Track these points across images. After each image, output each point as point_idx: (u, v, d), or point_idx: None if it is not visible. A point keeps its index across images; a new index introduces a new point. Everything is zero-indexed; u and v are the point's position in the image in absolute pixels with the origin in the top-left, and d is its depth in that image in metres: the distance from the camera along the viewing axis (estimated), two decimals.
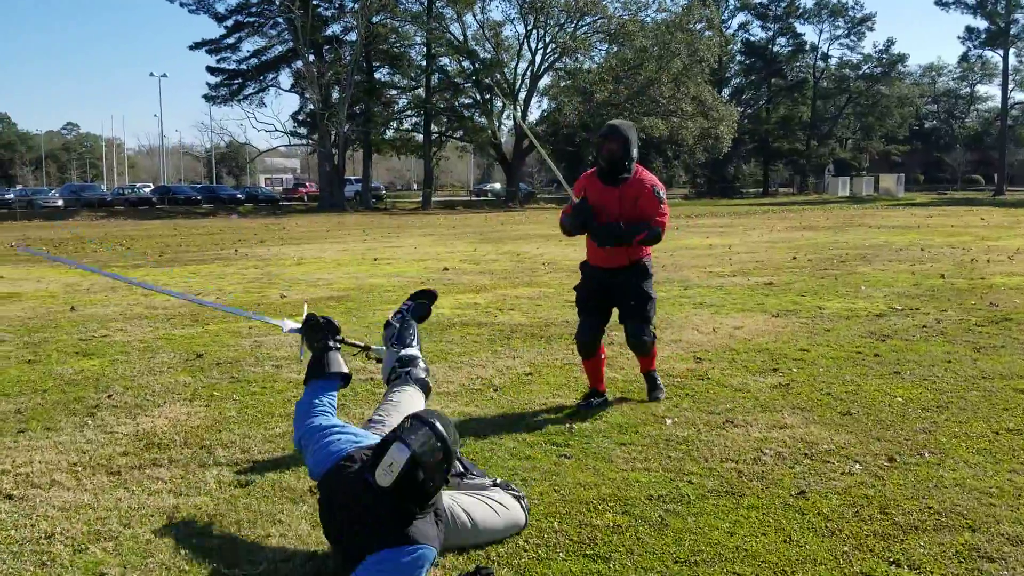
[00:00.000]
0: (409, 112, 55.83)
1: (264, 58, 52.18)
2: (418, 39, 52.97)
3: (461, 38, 53.37)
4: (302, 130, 54.79)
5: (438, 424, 3.06)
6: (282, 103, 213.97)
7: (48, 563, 3.30)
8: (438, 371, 6.51)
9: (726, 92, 76.66)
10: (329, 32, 51.41)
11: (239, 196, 56.41)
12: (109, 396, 5.90)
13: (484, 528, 3.38)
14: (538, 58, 54.62)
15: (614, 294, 5.54)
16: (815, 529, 3.58)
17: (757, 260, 15.57)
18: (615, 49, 55.97)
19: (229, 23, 50.86)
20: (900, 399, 5.63)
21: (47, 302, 10.99)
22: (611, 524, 3.64)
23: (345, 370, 3.82)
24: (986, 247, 17.35)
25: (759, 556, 3.34)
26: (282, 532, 3.58)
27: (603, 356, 5.70)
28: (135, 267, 15.96)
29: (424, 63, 53.49)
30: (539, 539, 3.51)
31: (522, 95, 55.18)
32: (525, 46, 54.15)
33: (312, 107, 49.50)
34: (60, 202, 49.54)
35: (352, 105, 49.51)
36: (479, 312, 9.62)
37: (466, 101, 56.37)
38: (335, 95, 49.63)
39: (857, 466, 4.34)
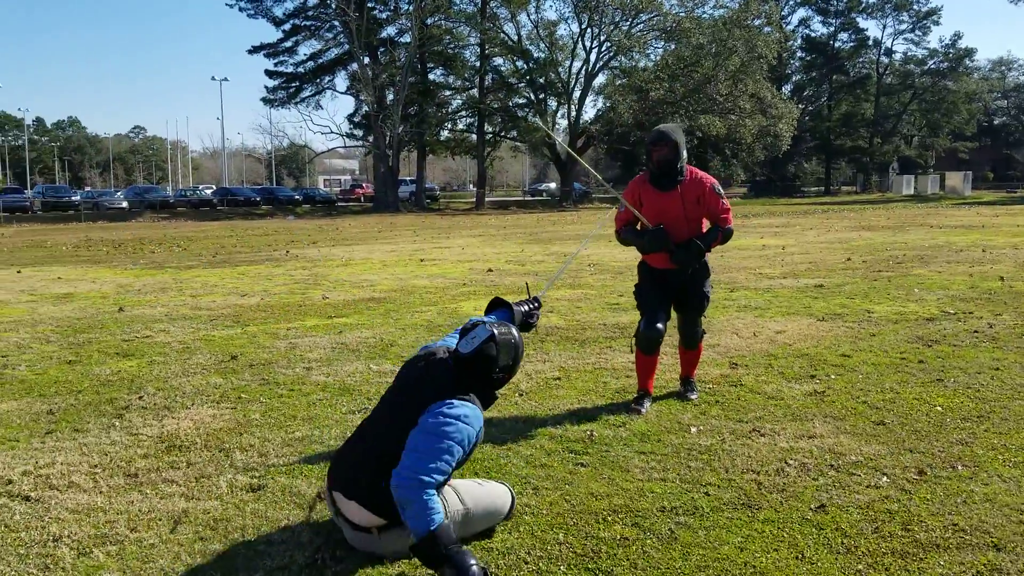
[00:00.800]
0: (463, 113, 56.04)
1: (320, 61, 52.88)
2: (472, 40, 53.16)
3: (515, 38, 53.40)
4: (358, 132, 55.38)
5: (517, 333, 3.65)
6: (338, 105, 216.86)
7: (51, 566, 3.33)
8: None
9: (786, 89, 75.50)
10: (384, 35, 51.86)
11: (297, 197, 57.25)
12: (140, 397, 5.97)
13: (472, 502, 3.49)
14: (593, 56, 54.43)
15: (677, 292, 5.61)
16: (830, 545, 3.44)
17: (810, 261, 15.24)
18: (671, 47, 55.43)
19: (287, 27, 51.71)
20: (939, 408, 5.41)
21: (98, 303, 11.23)
22: (618, 537, 3.55)
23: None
24: None
25: (767, 573, 3.22)
26: (285, 539, 3.56)
27: (657, 357, 5.66)
28: (188, 267, 16.25)
29: (477, 63, 53.63)
30: (542, 551, 3.43)
31: (576, 94, 55.02)
32: (579, 45, 53.99)
33: (367, 109, 49.97)
34: (125, 204, 50.84)
35: (406, 106, 49.86)
36: None
37: (519, 101, 56.39)
38: (389, 97, 50.03)
39: (884, 479, 4.17)
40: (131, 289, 12.76)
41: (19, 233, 31.41)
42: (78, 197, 53.11)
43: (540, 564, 3.31)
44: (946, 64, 73.09)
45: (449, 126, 56.50)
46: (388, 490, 3.20)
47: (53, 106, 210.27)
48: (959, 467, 4.31)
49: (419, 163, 55.36)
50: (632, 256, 5.50)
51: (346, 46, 49.80)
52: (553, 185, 77.26)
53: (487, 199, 64.79)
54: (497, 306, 4.12)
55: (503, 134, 57.99)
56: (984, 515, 3.69)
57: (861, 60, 75.50)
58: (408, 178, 62.77)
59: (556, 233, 26.11)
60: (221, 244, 23.61)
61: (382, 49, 50.72)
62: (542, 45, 54.01)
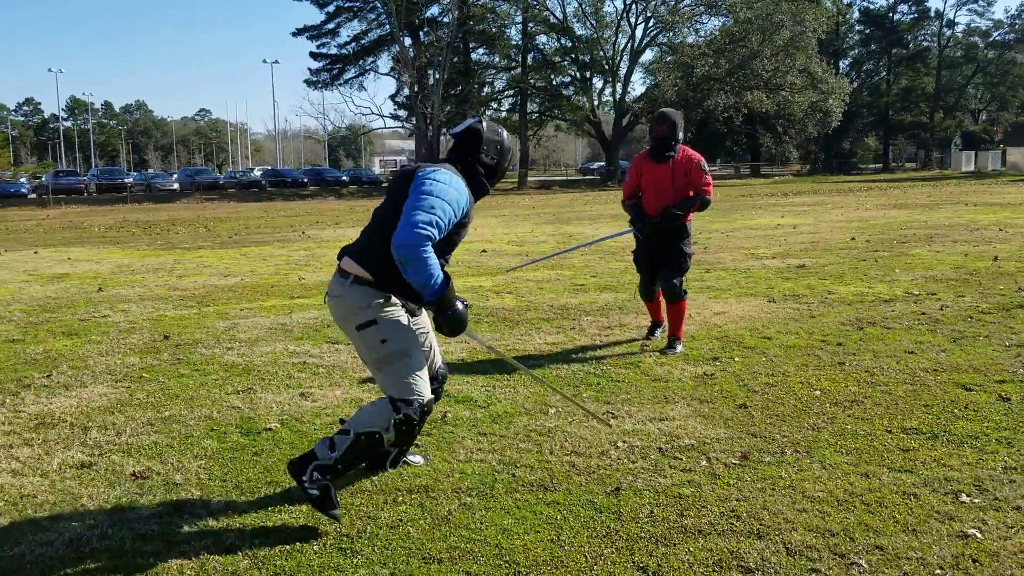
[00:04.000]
0: (508, 93, 55.89)
1: (363, 42, 53.18)
2: (518, 18, 52.92)
3: (560, 16, 52.98)
4: (401, 112, 55.69)
5: (507, 135, 3.91)
6: (381, 86, 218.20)
7: None
8: None
9: (844, 64, 73.62)
10: (428, 15, 51.91)
11: (344, 178, 57.82)
12: (49, 376, 6.17)
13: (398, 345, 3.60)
14: (639, 32, 53.74)
15: (659, 251, 6.68)
16: (594, 529, 3.43)
17: (813, 241, 14.94)
18: (719, 22, 54.45)
19: (330, 8, 52.10)
20: (818, 392, 5.31)
21: (86, 283, 11.57)
22: (394, 517, 3.58)
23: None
24: None
25: (507, 554, 3.22)
26: (72, 514, 3.68)
27: (660, 300, 6.93)
28: (197, 248, 16.61)
29: (520, 42, 53.37)
30: (304, 533, 3.49)
31: (623, 71, 54.47)
32: (625, 21, 53.33)
33: (408, 90, 50.20)
34: (176, 185, 51.98)
35: (448, 87, 49.91)
36: (475, 296, 9.58)
37: (564, 80, 55.99)
38: (432, 77, 50.17)
39: (703, 463, 4.12)
40: (126, 270, 13.11)
41: (65, 215, 32.41)
42: (131, 179, 54.47)
43: (291, 545, 3.36)
44: (1012, 36, 70.37)
45: (494, 106, 56.45)
46: (380, 251, 3.50)
47: (123, 91, 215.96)
48: (788, 452, 4.24)
49: None
50: (628, 240, 7.23)
51: (388, 27, 50.04)
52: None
53: (536, 178, 64.65)
54: None
55: (546, 113, 57.66)
56: (773, 503, 3.63)
57: (922, 33, 73.11)
58: None
59: (581, 213, 25.95)
60: (246, 225, 24.06)
61: (425, 30, 50.82)
62: (588, 22, 53.52)
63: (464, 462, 4.20)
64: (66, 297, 10.24)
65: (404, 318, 3.63)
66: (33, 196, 47.80)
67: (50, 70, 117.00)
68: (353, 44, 53.32)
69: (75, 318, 8.72)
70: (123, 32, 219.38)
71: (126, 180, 51.89)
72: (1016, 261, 11.32)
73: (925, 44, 73.36)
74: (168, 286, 11.05)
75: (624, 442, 4.44)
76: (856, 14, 73.35)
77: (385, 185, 60.71)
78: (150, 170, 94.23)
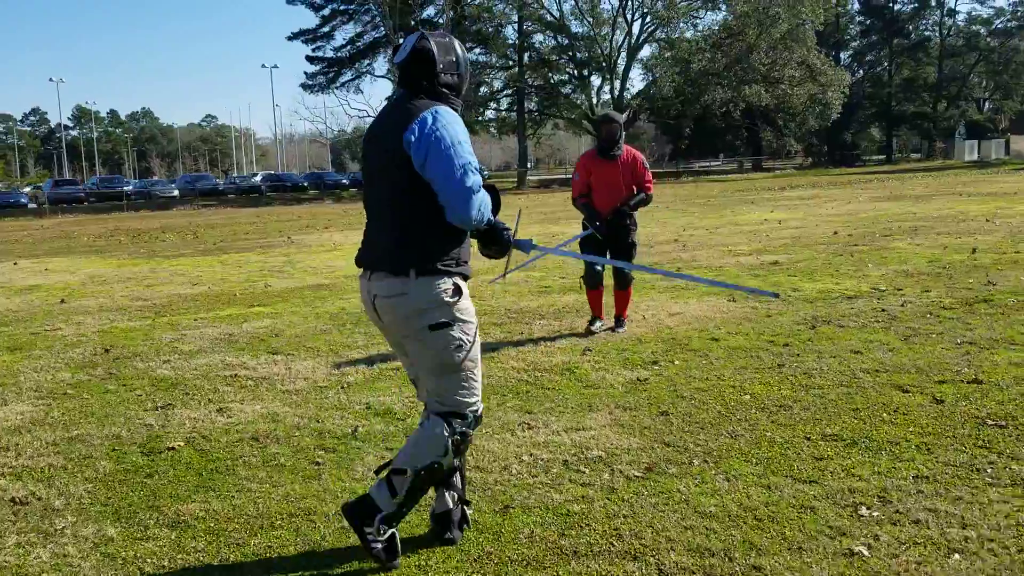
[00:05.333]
0: (506, 92, 55.65)
1: (359, 45, 53.06)
2: (513, 17, 52.60)
3: (556, 14, 52.73)
4: None
5: (457, 42, 3.40)
6: (378, 88, 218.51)
7: None
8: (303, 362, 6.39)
9: (845, 55, 73.14)
10: (423, 16, 51.73)
11: (344, 182, 57.79)
12: None
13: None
14: (635, 28, 53.43)
15: (609, 242, 7.12)
16: (467, 552, 3.27)
17: (795, 236, 14.74)
18: (717, 16, 54.15)
19: (325, 12, 51.98)
20: (748, 397, 5.14)
21: (54, 294, 11.45)
22: (264, 544, 3.43)
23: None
24: None
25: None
26: None
27: (602, 290, 7.30)
28: (177, 256, 16.52)
29: (516, 41, 53.10)
30: (163, 561, 3.34)
31: (621, 68, 54.16)
32: (621, 17, 52.98)
33: None
34: (176, 192, 52.03)
35: None
36: None
37: (561, 78, 55.70)
38: None
39: (605, 476, 3.96)
40: (98, 280, 13.00)
41: (59, 224, 32.40)
42: (130, 187, 54.53)
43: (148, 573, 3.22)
44: (1014, 23, 69.69)
45: (492, 106, 56.25)
46: (417, 234, 3.18)
47: (130, 99, 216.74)
48: (696, 463, 4.08)
49: None
50: None
51: (383, 30, 49.87)
52: None
53: (537, 177, 64.42)
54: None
55: (544, 112, 57.41)
56: (659, 519, 3.47)
57: (923, 22, 72.51)
58: None
59: (554, 213, 25.62)
60: (235, 231, 23.96)
61: (420, 31, 50.57)
62: (585, 20, 53.22)
63: (358, 481, 4.05)
64: (27, 310, 10.14)
65: (475, 318, 3.32)
66: (33, 206, 47.90)
67: (51, 79, 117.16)
68: (348, 47, 53.27)
69: (27, 332, 8.60)
70: (129, 41, 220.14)
71: (125, 188, 51.89)
72: (994, 253, 11.10)
73: (927, 33, 72.77)
74: (133, 296, 10.94)
75: (530, 455, 4.29)
76: (856, 5, 72.89)
77: None
78: (154, 177, 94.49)
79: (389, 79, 54.23)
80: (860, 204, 22.33)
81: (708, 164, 72.44)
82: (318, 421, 5.02)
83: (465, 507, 3.45)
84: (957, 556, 3.07)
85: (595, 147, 7.41)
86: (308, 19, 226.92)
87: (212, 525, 3.61)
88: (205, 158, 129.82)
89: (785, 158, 74.69)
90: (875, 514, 3.43)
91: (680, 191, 38.12)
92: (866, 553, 3.10)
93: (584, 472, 4.03)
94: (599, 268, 7.21)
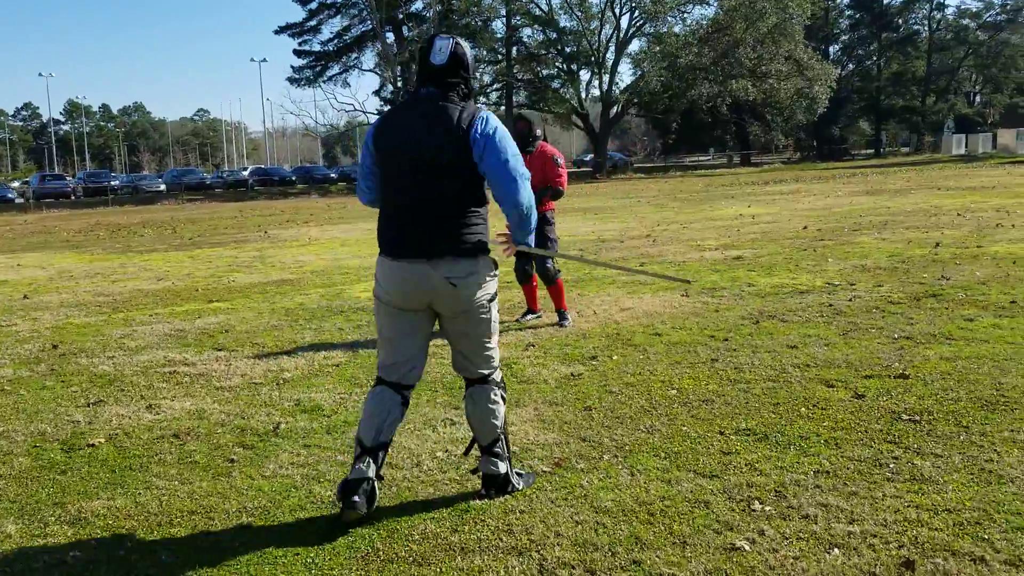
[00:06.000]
0: (495, 86, 55.60)
1: (346, 39, 52.94)
2: (502, 11, 52.53)
3: (545, 8, 52.67)
4: (386, 108, 55.35)
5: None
6: (365, 82, 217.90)
7: None
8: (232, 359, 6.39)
9: (834, 49, 73.15)
10: (412, 10, 51.71)
11: (332, 176, 57.66)
12: None
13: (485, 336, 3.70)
14: (624, 23, 53.42)
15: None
16: (358, 549, 3.28)
17: (764, 231, 14.78)
18: (705, 11, 54.14)
19: (312, 5, 51.82)
20: (675, 391, 5.16)
21: (19, 289, 11.44)
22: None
23: None
24: None
25: None
26: None
27: (535, 284, 7.66)
28: (149, 251, 16.48)
29: (504, 35, 53.03)
30: (49, 556, 3.36)
31: (609, 62, 54.14)
32: (609, 11, 52.99)
33: (391, 85, 49.99)
34: (163, 187, 51.88)
35: None
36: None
37: (550, 72, 55.66)
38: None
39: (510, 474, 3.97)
40: (66, 275, 12.99)
41: (42, 219, 32.31)
42: (117, 182, 54.37)
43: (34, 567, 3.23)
44: (1003, 17, 69.81)
45: (482, 100, 56.08)
46: (466, 219, 3.52)
47: (122, 94, 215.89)
48: (606, 458, 4.10)
49: None
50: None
51: (370, 23, 49.78)
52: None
53: None
54: None
55: (533, 107, 57.34)
56: (553, 514, 3.48)
57: (912, 16, 72.56)
58: None
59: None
60: (215, 225, 23.92)
61: (408, 25, 50.59)
62: (573, 14, 53.16)
63: (267, 478, 4.07)
64: None
65: None
66: (20, 201, 47.74)
67: (40, 75, 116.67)
68: (336, 41, 53.13)
69: None
70: (123, 35, 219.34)
71: (112, 183, 51.71)
72: (956, 248, 11.15)
73: (916, 27, 72.84)
74: (95, 292, 10.93)
75: (445, 451, 4.30)
76: None
77: None
78: (144, 171, 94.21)
79: (377, 73, 54.22)
80: (837, 199, 22.37)
81: (698, 159, 72.49)
82: (243, 418, 5.03)
83: (376, 482, 3.57)
84: (837, 551, 3.09)
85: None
86: (291, 12, 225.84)
87: (111, 523, 3.61)
88: (196, 152, 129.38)
89: (774, 152, 74.71)
90: (767, 509, 3.46)
91: (664, 186, 38.17)
92: (747, 548, 3.13)
93: None
94: (525, 267, 7.50)
